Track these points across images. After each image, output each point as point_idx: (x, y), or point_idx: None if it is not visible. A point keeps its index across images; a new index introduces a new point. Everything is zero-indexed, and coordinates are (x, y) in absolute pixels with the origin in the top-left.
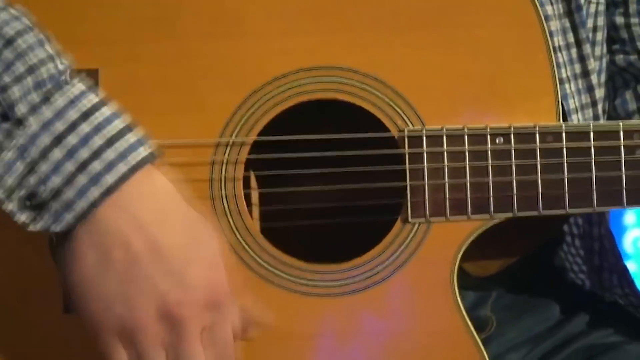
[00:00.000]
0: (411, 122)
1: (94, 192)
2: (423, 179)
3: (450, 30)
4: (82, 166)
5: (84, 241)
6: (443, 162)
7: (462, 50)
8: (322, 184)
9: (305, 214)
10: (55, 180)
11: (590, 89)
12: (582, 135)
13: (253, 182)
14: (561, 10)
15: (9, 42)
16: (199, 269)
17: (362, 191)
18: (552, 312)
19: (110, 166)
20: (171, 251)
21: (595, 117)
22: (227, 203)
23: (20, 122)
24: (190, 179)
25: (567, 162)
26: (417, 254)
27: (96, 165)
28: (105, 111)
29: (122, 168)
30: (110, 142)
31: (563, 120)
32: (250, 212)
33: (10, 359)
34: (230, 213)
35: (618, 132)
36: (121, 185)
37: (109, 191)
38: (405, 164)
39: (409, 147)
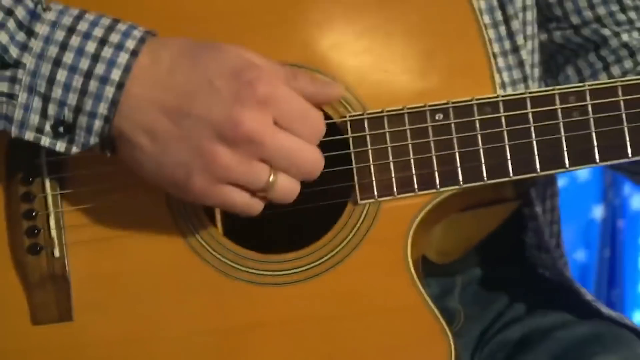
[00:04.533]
0: (352, 109)
1: (108, 91)
2: (368, 160)
3: (385, 18)
4: (88, 74)
5: (127, 133)
6: (386, 142)
7: (397, 35)
8: None
9: None
10: (72, 98)
11: (521, 64)
12: (519, 102)
13: None
14: None
15: None
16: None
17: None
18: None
19: (111, 63)
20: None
21: None
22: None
23: (18, 64)
24: None
25: (506, 130)
26: (369, 235)
27: (100, 68)
28: (88, 17)
29: (123, 58)
30: (103, 41)
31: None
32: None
33: None
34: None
35: (554, 95)
36: (129, 73)
37: (120, 85)
38: (349, 148)
39: (352, 131)
